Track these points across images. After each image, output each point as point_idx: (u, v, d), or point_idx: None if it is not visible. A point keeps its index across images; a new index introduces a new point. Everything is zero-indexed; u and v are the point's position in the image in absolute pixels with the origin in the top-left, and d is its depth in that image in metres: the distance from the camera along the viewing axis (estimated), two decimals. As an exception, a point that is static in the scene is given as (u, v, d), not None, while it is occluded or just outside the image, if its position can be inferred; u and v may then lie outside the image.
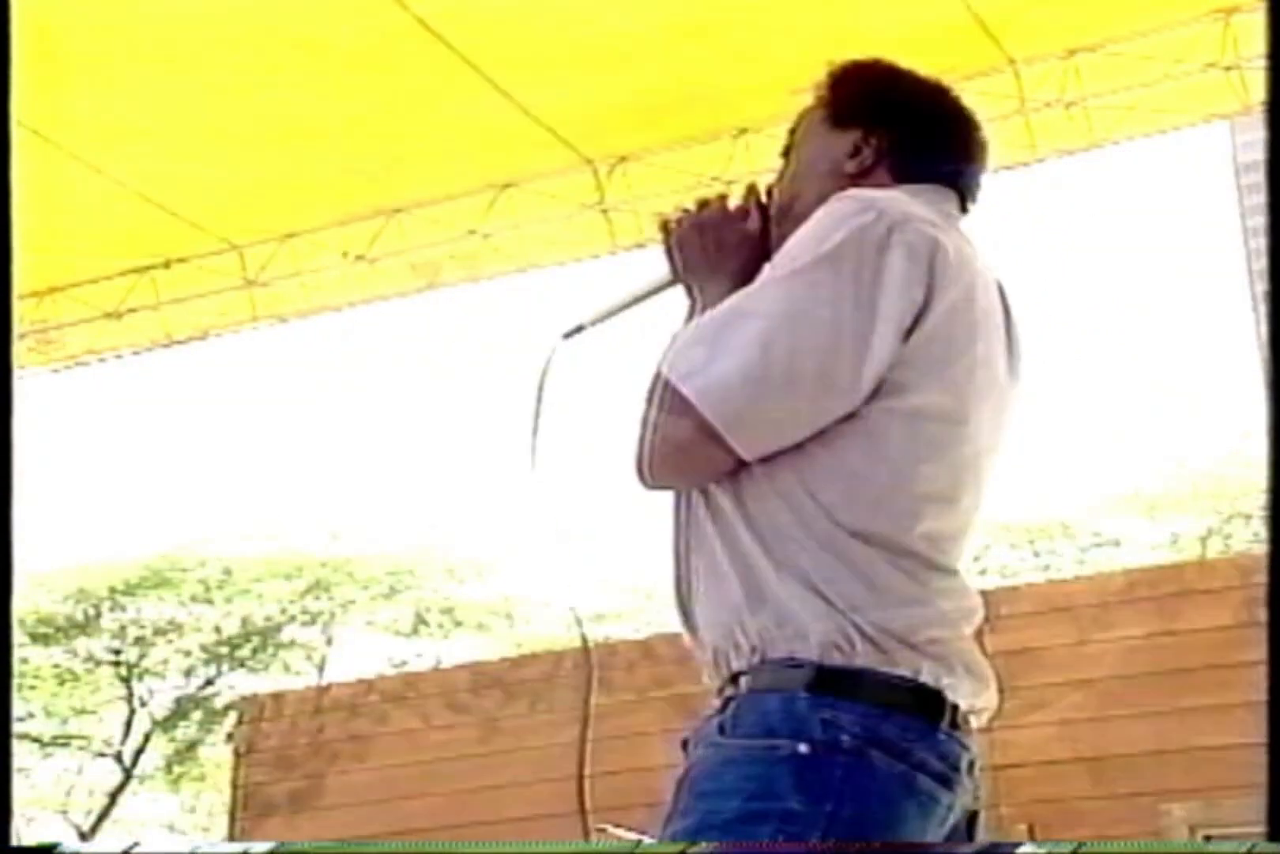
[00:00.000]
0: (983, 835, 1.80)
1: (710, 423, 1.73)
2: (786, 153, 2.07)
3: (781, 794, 1.64)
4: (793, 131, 2.08)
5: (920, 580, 1.76)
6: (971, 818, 1.77)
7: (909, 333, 1.76)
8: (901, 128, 1.99)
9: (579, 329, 1.99)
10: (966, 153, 2.03)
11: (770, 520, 1.77)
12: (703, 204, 2.02)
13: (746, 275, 1.91)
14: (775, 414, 1.75)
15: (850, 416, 1.76)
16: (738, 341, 1.75)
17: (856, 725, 1.67)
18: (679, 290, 2.00)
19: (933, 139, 2.00)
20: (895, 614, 1.73)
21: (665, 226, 2.02)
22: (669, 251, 2.00)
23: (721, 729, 1.74)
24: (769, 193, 2.05)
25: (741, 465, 1.78)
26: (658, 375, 1.82)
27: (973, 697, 1.78)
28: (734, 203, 2.02)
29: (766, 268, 1.85)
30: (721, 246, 1.97)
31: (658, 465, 1.80)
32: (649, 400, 1.82)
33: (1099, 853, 2.39)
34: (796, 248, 1.81)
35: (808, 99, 2.08)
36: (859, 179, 1.95)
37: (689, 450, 1.78)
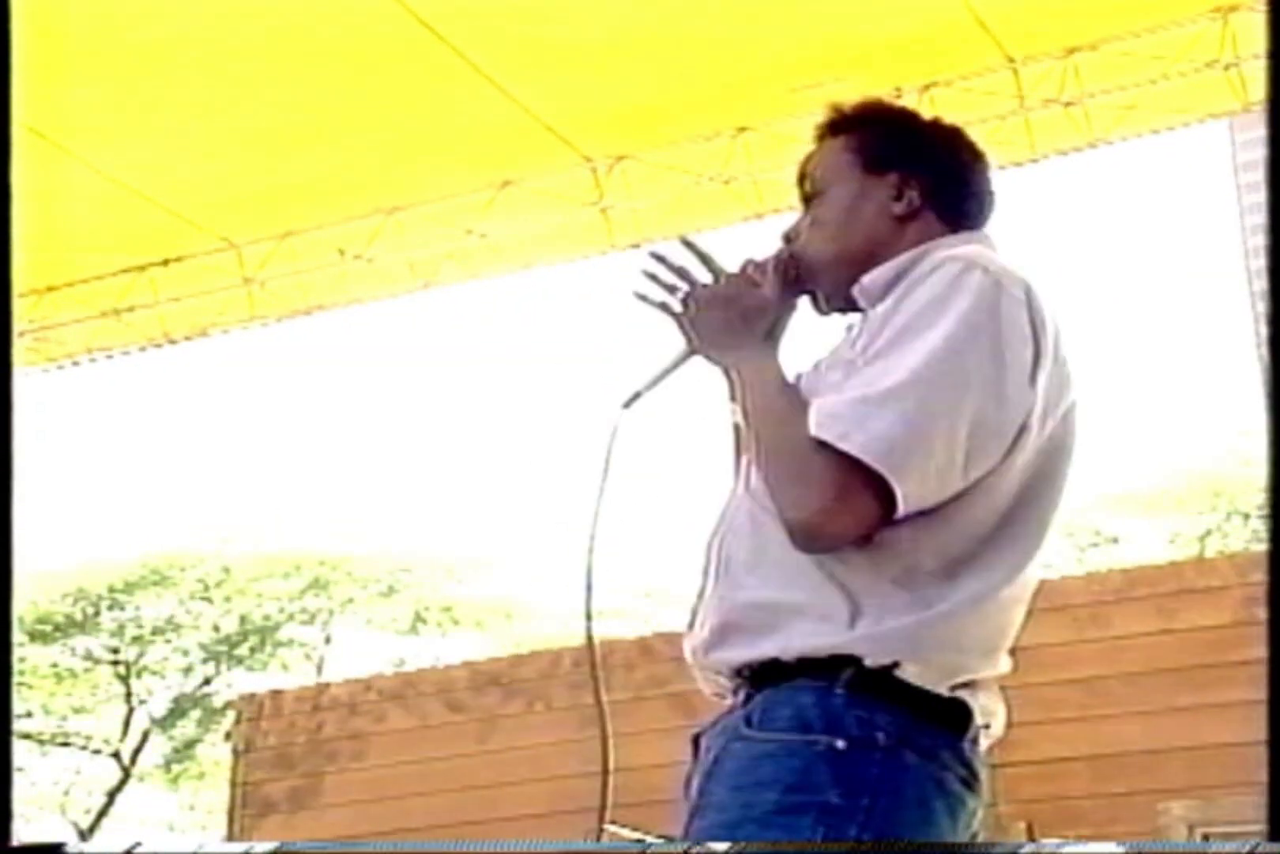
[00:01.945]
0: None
1: (878, 472, 1.72)
2: (809, 198, 2.05)
3: (820, 787, 1.67)
4: (806, 175, 2.07)
5: (988, 619, 1.81)
6: (973, 835, 1.81)
7: (1033, 381, 1.79)
8: (936, 170, 2.01)
9: (636, 396, 2.03)
10: (990, 191, 2.07)
11: (850, 550, 1.78)
12: (704, 285, 2.01)
13: (772, 336, 1.97)
14: (935, 465, 1.74)
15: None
16: (892, 399, 1.75)
17: (891, 725, 1.71)
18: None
19: (965, 178, 2.05)
20: (948, 656, 1.77)
21: (671, 312, 2.02)
22: (684, 331, 2.01)
23: (749, 722, 1.76)
24: (788, 238, 2.05)
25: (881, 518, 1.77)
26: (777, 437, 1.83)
27: (992, 718, 1.83)
28: (733, 273, 2.02)
29: (886, 334, 1.83)
30: (746, 317, 1.97)
31: (820, 515, 1.76)
32: (780, 458, 1.81)
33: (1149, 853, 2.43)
34: (919, 313, 1.81)
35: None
36: (908, 221, 1.98)
37: (849, 495, 1.75)
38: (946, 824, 1.72)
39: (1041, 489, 1.84)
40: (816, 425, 1.77)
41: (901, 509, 1.74)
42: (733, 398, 1.98)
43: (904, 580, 1.76)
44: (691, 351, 2.02)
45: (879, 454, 1.72)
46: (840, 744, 1.69)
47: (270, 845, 1.79)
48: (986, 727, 1.81)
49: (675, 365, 2.05)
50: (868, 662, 1.73)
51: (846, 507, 1.75)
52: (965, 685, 1.78)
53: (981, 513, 1.79)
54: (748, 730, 1.75)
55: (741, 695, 1.81)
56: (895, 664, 1.73)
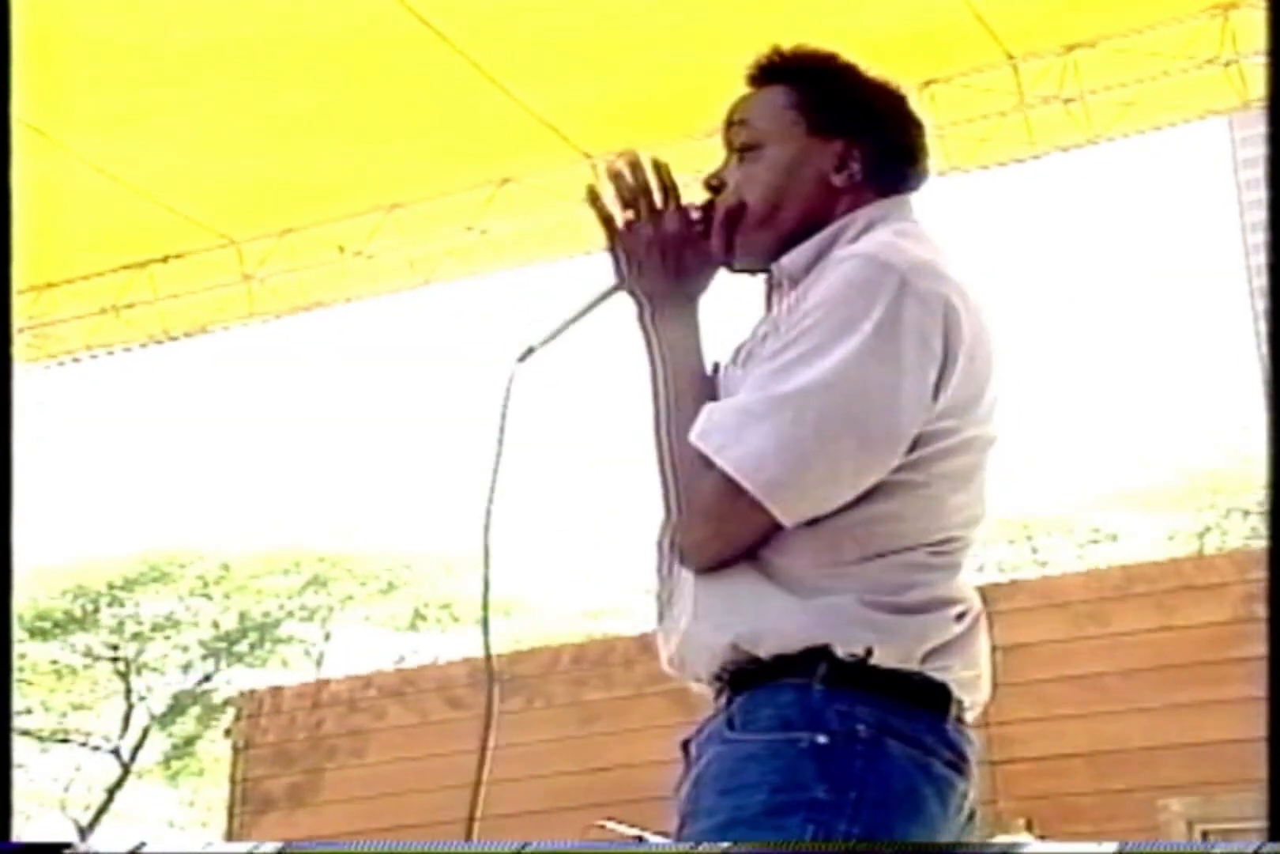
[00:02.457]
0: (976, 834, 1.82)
1: (750, 492, 1.73)
2: (741, 149, 2.00)
3: (806, 784, 1.67)
4: (742, 121, 2.01)
5: (937, 590, 1.79)
6: (969, 816, 1.79)
7: (938, 386, 1.77)
8: (882, 140, 1.96)
9: (530, 351, 1.94)
10: (928, 158, 2.03)
11: (792, 546, 1.78)
12: (656, 210, 1.96)
13: (697, 296, 1.94)
14: (814, 478, 1.74)
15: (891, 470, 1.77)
16: (772, 411, 1.75)
17: (871, 716, 1.71)
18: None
19: (908, 150, 2.00)
20: (910, 622, 1.76)
21: (612, 229, 1.96)
22: (618, 256, 1.95)
23: (730, 725, 1.76)
24: (715, 187, 2.00)
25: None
26: (670, 445, 1.83)
27: (974, 692, 1.81)
28: (687, 203, 1.97)
29: (785, 338, 1.80)
30: (683, 270, 1.93)
31: (703, 542, 1.80)
32: (674, 470, 1.82)
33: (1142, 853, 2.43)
34: (818, 319, 1.78)
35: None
36: (843, 192, 1.93)
37: (729, 520, 1.77)
38: (937, 810, 1.72)
39: (972, 476, 1.84)
40: (700, 433, 1.78)
41: (786, 524, 1.74)
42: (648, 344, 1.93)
43: (848, 569, 1.76)
44: (615, 289, 1.95)
45: (749, 471, 1.72)
46: (822, 740, 1.68)
47: (275, 845, 1.79)
48: (971, 704, 1.80)
49: (583, 313, 1.96)
50: (840, 652, 1.72)
51: (723, 534, 1.77)
52: (940, 652, 1.77)
53: (905, 507, 1.78)
54: (730, 733, 1.75)
55: (722, 700, 1.80)
56: (869, 652, 1.72)
